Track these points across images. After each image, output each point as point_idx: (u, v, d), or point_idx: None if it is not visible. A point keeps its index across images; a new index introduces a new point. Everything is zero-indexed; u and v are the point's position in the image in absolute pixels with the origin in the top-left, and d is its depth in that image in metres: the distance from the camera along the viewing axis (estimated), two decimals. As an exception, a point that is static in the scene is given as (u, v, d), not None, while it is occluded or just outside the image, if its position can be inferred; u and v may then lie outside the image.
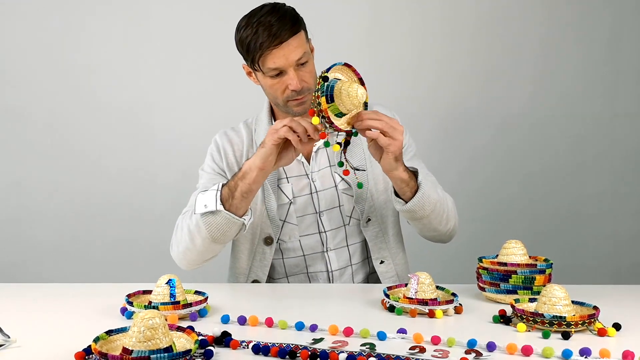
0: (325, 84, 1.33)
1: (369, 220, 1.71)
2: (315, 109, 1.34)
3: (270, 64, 1.54)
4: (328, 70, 1.34)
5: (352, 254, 1.75)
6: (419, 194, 1.51)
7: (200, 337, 1.08)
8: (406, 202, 1.53)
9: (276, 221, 1.70)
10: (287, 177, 1.71)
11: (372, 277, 1.79)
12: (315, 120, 1.34)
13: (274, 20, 1.52)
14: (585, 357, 1.04)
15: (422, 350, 1.07)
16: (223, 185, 1.51)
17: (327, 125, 1.35)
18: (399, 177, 1.49)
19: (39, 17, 2.80)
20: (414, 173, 1.53)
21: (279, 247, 1.75)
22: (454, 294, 1.36)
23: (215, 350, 1.07)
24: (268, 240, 1.71)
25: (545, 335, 1.15)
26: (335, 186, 1.71)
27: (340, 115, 1.35)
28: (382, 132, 1.38)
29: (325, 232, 1.72)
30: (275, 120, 1.74)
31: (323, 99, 1.32)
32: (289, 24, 1.53)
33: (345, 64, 1.38)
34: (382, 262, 1.73)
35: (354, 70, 1.39)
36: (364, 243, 1.76)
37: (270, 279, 1.78)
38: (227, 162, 1.73)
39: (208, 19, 2.82)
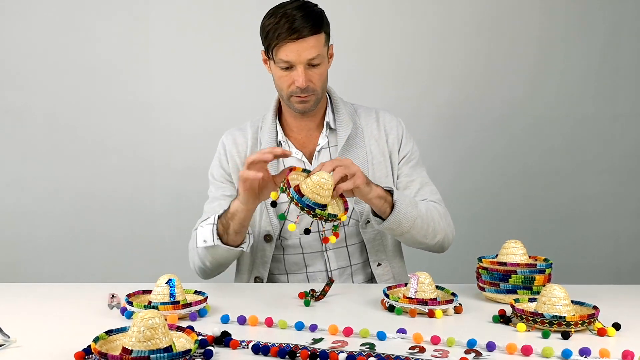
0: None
1: (368, 222, 1.71)
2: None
3: (283, 55, 1.58)
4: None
5: (351, 255, 1.75)
6: (394, 213, 1.53)
7: (200, 337, 1.08)
8: (384, 220, 1.55)
9: (275, 218, 1.71)
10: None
11: (373, 281, 1.78)
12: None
13: (298, 15, 1.56)
14: (585, 357, 1.04)
15: (422, 350, 1.07)
16: (219, 217, 1.56)
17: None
18: (376, 195, 1.51)
19: (39, 17, 2.80)
20: (390, 192, 1.55)
21: (280, 243, 1.75)
22: (453, 294, 1.36)
23: (215, 350, 1.07)
24: (267, 238, 1.72)
25: (545, 335, 1.15)
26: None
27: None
28: (341, 180, 1.40)
29: (324, 230, 1.72)
30: (279, 120, 1.76)
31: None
32: (312, 22, 1.57)
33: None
34: (379, 264, 1.74)
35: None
36: (363, 244, 1.76)
37: (270, 274, 1.78)
38: (233, 165, 1.75)
39: (208, 20, 2.82)
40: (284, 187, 1.34)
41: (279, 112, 1.77)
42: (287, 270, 1.77)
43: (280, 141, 1.73)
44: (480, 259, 1.45)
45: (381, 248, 1.74)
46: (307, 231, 1.41)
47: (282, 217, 1.41)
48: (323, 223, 1.35)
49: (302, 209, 1.32)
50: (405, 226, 1.56)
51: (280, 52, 1.58)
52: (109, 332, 1.03)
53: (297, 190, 1.32)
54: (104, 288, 1.52)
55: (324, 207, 1.33)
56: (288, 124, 1.75)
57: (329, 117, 1.75)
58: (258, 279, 1.74)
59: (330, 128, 1.75)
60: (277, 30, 1.56)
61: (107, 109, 2.83)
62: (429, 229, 1.62)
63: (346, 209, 1.41)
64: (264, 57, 1.68)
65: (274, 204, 1.38)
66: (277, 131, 1.74)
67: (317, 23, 1.58)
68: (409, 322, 1.26)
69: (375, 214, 1.57)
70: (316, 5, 1.63)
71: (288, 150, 1.45)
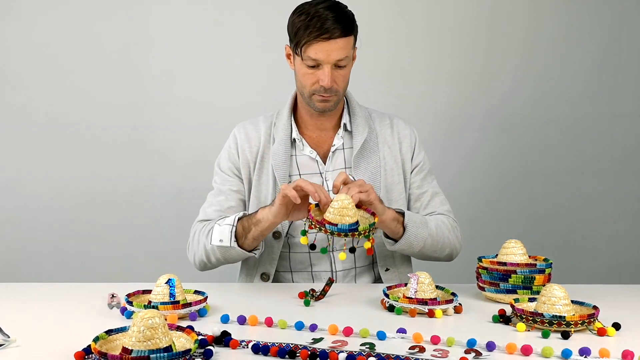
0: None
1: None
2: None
3: (312, 53, 1.59)
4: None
5: (357, 257, 1.76)
6: (405, 235, 1.59)
7: (200, 337, 1.09)
8: (396, 241, 1.61)
9: None
10: (299, 174, 1.72)
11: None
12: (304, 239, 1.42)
13: (330, 16, 1.57)
14: (585, 357, 1.04)
15: (422, 349, 1.07)
16: (239, 219, 1.59)
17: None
18: (391, 217, 1.56)
19: (39, 17, 2.80)
20: (402, 214, 1.60)
21: (287, 241, 1.76)
22: (453, 294, 1.37)
23: (215, 349, 1.07)
24: (276, 235, 1.72)
25: (545, 335, 1.15)
26: None
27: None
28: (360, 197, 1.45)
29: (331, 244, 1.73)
30: (295, 117, 1.76)
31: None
32: (343, 24, 1.58)
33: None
34: (387, 269, 1.75)
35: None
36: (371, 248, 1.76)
37: (275, 271, 1.78)
38: (244, 160, 1.75)
39: (208, 20, 2.81)
40: (311, 223, 1.39)
41: (294, 109, 1.77)
42: (292, 268, 1.78)
43: (294, 139, 1.73)
44: (480, 259, 1.45)
45: (389, 253, 1.74)
46: (352, 250, 1.45)
47: (324, 251, 1.48)
48: (370, 234, 1.40)
49: (345, 235, 1.36)
50: (416, 247, 1.62)
51: (309, 50, 1.59)
52: (109, 332, 1.03)
53: (328, 223, 1.37)
54: (104, 288, 1.52)
55: (357, 224, 1.38)
56: (303, 122, 1.76)
57: (345, 118, 1.76)
58: (264, 275, 1.74)
59: (346, 130, 1.75)
60: (308, 28, 1.57)
61: (107, 108, 2.83)
62: (438, 245, 1.68)
63: (372, 214, 1.46)
64: (287, 51, 1.69)
65: (313, 246, 1.45)
66: (291, 128, 1.74)
67: (349, 26, 1.60)
68: (409, 322, 1.26)
69: (386, 236, 1.62)
70: (347, 7, 1.64)
71: (327, 199, 1.46)
